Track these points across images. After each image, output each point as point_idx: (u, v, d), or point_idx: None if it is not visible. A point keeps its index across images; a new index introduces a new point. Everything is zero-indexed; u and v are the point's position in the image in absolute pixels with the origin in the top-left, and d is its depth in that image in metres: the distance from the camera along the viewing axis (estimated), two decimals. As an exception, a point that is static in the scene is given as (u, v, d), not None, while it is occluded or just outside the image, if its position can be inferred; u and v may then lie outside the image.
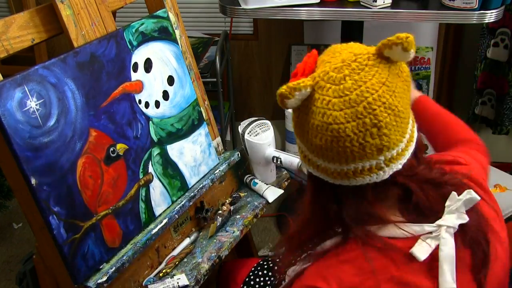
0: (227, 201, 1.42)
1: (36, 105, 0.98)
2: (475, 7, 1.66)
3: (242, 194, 1.46)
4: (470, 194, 0.73)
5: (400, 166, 0.72)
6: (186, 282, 1.19)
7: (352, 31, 2.04)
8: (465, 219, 0.73)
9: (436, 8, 1.75)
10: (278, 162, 1.43)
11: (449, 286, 0.71)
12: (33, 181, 0.97)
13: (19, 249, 2.25)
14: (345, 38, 2.08)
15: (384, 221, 0.74)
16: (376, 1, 1.72)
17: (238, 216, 1.40)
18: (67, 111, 1.04)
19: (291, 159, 1.40)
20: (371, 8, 1.74)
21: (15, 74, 0.95)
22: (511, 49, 2.12)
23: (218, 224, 1.34)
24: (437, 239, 0.72)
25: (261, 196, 1.46)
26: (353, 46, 0.74)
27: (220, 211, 1.36)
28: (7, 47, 1.00)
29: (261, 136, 1.44)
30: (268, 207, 1.49)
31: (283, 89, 0.70)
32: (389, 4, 1.76)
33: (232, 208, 1.39)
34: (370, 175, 0.71)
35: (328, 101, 0.69)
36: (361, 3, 1.78)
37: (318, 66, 0.73)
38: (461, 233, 0.74)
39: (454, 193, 0.74)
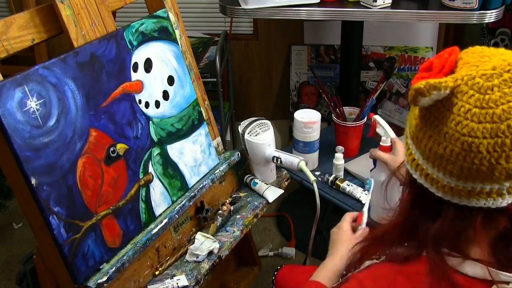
0: (227, 201, 1.42)
1: (36, 105, 0.98)
2: (475, 7, 1.66)
3: (242, 194, 1.46)
4: None
5: None
6: (186, 283, 1.19)
7: (352, 31, 2.04)
8: None
9: (436, 8, 1.75)
10: (278, 162, 1.43)
11: None
12: (33, 181, 0.97)
13: (19, 249, 2.25)
14: (345, 38, 2.08)
15: (477, 256, 0.68)
16: (376, 1, 1.72)
17: (238, 216, 1.40)
18: (67, 111, 1.04)
19: (291, 159, 1.40)
20: (371, 8, 1.74)
21: (15, 74, 0.95)
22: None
23: (218, 224, 1.34)
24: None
25: (261, 196, 1.46)
26: (506, 53, 0.66)
27: (220, 211, 1.36)
28: (7, 47, 1.00)
29: (261, 136, 1.44)
30: (268, 207, 1.49)
31: (422, 84, 0.61)
32: (389, 4, 1.76)
33: (232, 208, 1.39)
34: (487, 199, 0.64)
35: (468, 109, 0.61)
36: (361, 3, 1.78)
37: (460, 67, 0.65)
38: None
39: None
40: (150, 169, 1.23)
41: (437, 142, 0.64)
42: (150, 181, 1.23)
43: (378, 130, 1.45)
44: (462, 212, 0.66)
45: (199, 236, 1.28)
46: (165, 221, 1.23)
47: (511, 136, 0.60)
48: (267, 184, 1.48)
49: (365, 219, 1.16)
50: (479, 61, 0.64)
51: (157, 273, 1.23)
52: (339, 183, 1.53)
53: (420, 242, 0.70)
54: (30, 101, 0.97)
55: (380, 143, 1.35)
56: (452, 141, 0.62)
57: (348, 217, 1.13)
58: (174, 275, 1.22)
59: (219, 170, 1.40)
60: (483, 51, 0.67)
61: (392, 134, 1.39)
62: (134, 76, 1.19)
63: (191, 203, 1.31)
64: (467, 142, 0.61)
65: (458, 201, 0.66)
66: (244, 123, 1.47)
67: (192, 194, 1.32)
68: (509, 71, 0.62)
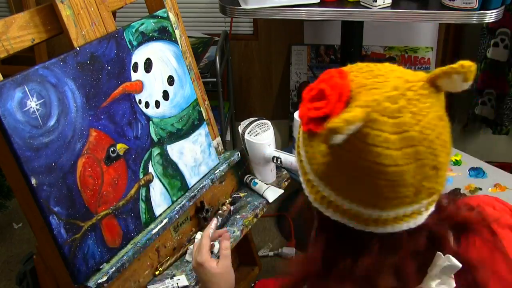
0: (227, 201, 1.42)
1: (36, 105, 0.98)
2: (475, 7, 1.66)
3: (242, 194, 1.46)
4: (449, 261, 0.63)
5: (433, 208, 0.63)
6: (186, 283, 1.19)
7: (352, 31, 2.04)
8: (450, 285, 0.64)
9: (436, 8, 1.75)
10: (278, 162, 1.43)
11: None
12: (33, 181, 0.97)
13: (19, 249, 2.25)
14: (345, 38, 2.08)
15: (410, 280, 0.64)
16: (376, 1, 1.72)
17: (238, 216, 1.40)
18: (67, 111, 1.04)
19: (291, 159, 1.40)
20: (371, 8, 1.74)
21: (15, 74, 0.95)
22: (511, 49, 2.12)
23: (218, 224, 1.34)
24: None
25: (261, 196, 1.46)
26: (396, 69, 0.62)
27: (220, 211, 1.36)
28: (7, 47, 1.00)
29: (261, 136, 1.44)
30: (268, 207, 1.49)
31: (337, 122, 0.53)
32: (389, 4, 1.76)
33: (232, 208, 1.39)
34: (409, 220, 0.61)
35: (385, 138, 0.55)
36: (361, 3, 1.78)
37: (357, 91, 0.59)
38: None
39: (438, 255, 0.64)
40: (150, 169, 1.23)
41: (357, 178, 0.58)
42: (150, 181, 1.23)
43: None
44: (387, 240, 0.63)
45: (199, 236, 1.28)
46: (165, 221, 1.23)
47: (430, 157, 0.57)
48: (267, 184, 1.48)
49: (216, 244, 1.11)
50: (376, 82, 0.59)
51: (157, 273, 1.23)
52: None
53: (344, 279, 0.65)
54: (30, 101, 0.97)
55: None
56: (375, 173, 0.56)
57: (205, 250, 1.01)
58: (174, 275, 1.22)
59: (219, 170, 1.40)
60: (372, 69, 0.62)
61: None
62: (134, 76, 1.19)
63: (191, 203, 1.31)
64: (391, 173, 0.56)
65: (383, 230, 0.62)
66: (244, 123, 1.47)
67: (192, 194, 1.32)
68: (410, 89, 0.57)
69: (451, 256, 0.63)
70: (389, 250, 0.63)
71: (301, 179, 0.67)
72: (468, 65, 0.56)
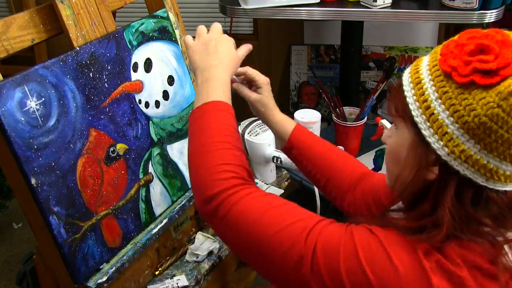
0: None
1: (36, 105, 0.98)
2: (475, 7, 1.66)
3: (242, 194, 1.46)
4: None
5: None
6: (186, 283, 1.19)
7: (352, 31, 2.04)
8: None
9: (436, 8, 1.75)
10: (278, 162, 1.43)
11: None
12: (33, 181, 0.97)
13: (19, 249, 2.25)
14: (345, 38, 2.08)
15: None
16: (376, 1, 1.72)
17: (238, 216, 1.39)
18: (67, 111, 1.04)
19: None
20: (371, 8, 1.74)
21: (15, 74, 0.95)
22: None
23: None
24: None
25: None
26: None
27: (220, 211, 1.36)
28: (7, 47, 1.00)
29: (261, 136, 1.45)
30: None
31: None
32: (389, 4, 1.76)
33: (232, 208, 1.39)
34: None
35: None
36: (361, 3, 1.78)
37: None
38: None
39: None
40: (150, 169, 1.23)
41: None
42: (150, 181, 1.23)
43: None
44: (505, 197, 0.68)
45: (199, 236, 1.28)
46: (165, 221, 1.23)
47: None
48: (267, 184, 1.48)
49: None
50: None
51: (157, 273, 1.23)
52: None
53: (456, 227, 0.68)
54: (30, 101, 0.97)
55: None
56: None
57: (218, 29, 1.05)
58: (174, 275, 1.22)
59: (219, 170, 1.40)
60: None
61: None
62: (134, 76, 1.19)
63: (191, 203, 1.31)
64: None
65: (505, 187, 0.68)
66: (244, 123, 1.47)
67: (192, 194, 1.32)
68: None
69: None
70: (506, 209, 0.68)
71: (428, 133, 0.68)
72: None
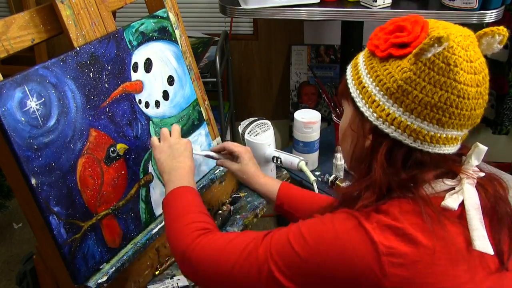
0: (227, 201, 1.42)
1: (36, 105, 0.98)
2: (475, 7, 1.66)
3: (242, 194, 1.46)
4: (477, 146, 0.80)
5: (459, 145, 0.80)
6: (186, 283, 1.19)
7: (352, 31, 2.04)
8: (479, 160, 0.81)
9: (436, 8, 1.75)
10: (278, 162, 1.43)
11: (478, 231, 0.75)
12: (33, 181, 0.97)
13: (19, 249, 2.25)
14: (345, 38, 2.08)
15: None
16: (376, 1, 1.72)
17: (238, 216, 1.40)
18: (67, 111, 1.04)
19: (291, 159, 1.40)
20: (371, 8, 1.75)
21: (15, 74, 0.95)
22: (511, 49, 2.12)
23: (218, 224, 1.34)
24: (461, 193, 0.78)
25: (261, 196, 1.46)
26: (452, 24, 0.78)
27: (220, 211, 1.36)
28: (7, 47, 1.00)
29: (261, 136, 1.44)
30: (268, 207, 1.49)
31: (442, 34, 0.69)
32: (389, 4, 1.76)
33: (232, 208, 1.39)
34: (451, 144, 0.78)
35: (460, 62, 0.72)
36: (361, 3, 1.78)
37: (435, 28, 0.75)
38: (482, 189, 0.80)
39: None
40: (150, 169, 1.23)
41: (431, 92, 0.72)
42: (150, 181, 1.23)
43: None
44: (431, 158, 0.77)
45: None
46: (165, 221, 1.23)
47: (483, 86, 0.74)
48: (267, 184, 1.48)
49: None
50: (445, 25, 0.76)
51: (157, 273, 1.23)
52: (339, 183, 1.53)
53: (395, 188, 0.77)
54: (30, 101, 0.97)
55: None
56: (449, 89, 0.72)
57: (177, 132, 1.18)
58: (174, 275, 1.22)
59: (219, 170, 1.40)
60: (436, 21, 0.78)
61: None
62: (134, 76, 1.20)
63: (191, 203, 1.31)
64: (461, 90, 0.72)
65: (432, 148, 0.76)
66: (244, 123, 1.47)
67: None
68: (471, 36, 0.75)
69: (478, 143, 0.81)
70: (432, 167, 0.78)
71: (361, 104, 0.79)
72: (505, 31, 0.75)
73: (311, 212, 0.99)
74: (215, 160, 1.32)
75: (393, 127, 0.76)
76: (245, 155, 1.25)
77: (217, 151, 1.30)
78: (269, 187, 1.23)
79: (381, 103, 0.76)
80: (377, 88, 0.77)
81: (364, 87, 0.79)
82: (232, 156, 1.28)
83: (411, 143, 0.76)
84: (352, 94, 0.81)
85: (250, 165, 1.25)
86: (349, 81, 0.83)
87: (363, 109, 0.79)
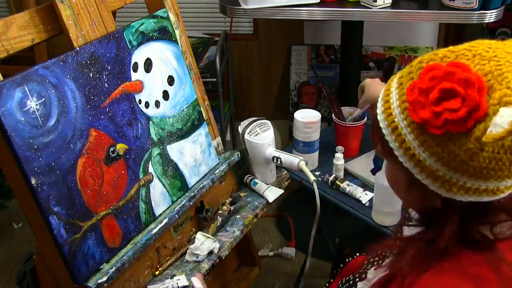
0: (227, 201, 1.42)
1: (36, 105, 0.98)
2: (475, 7, 1.66)
3: (242, 194, 1.46)
4: None
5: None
6: (186, 283, 1.19)
7: (352, 31, 2.04)
8: None
9: (436, 8, 1.75)
10: (278, 162, 1.43)
11: None
12: (33, 181, 0.97)
13: (19, 249, 2.25)
14: (345, 38, 2.08)
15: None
16: (376, 1, 1.72)
17: (238, 216, 1.40)
18: (67, 111, 1.04)
19: (291, 159, 1.40)
20: (371, 8, 1.74)
21: (15, 74, 0.95)
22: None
23: (218, 224, 1.34)
24: None
25: (261, 196, 1.46)
26: (494, 45, 0.67)
27: (220, 211, 1.36)
28: (7, 47, 1.00)
29: (261, 136, 1.44)
30: (268, 207, 1.49)
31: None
32: (389, 4, 1.76)
33: (232, 208, 1.39)
34: (494, 194, 0.68)
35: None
36: (361, 3, 1.78)
37: (488, 80, 0.62)
38: None
39: None
40: (150, 169, 1.23)
41: (506, 168, 0.63)
42: (150, 181, 1.23)
43: None
44: (469, 208, 0.70)
45: (199, 236, 1.28)
46: (165, 221, 1.23)
47: None
48: (267, 184, 1.48)
49: None
50: (495, 65, 0.63)
51: (157, 273, 1.23)
52: (339, 183, 1.53)
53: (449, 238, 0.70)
54: (30, 101, 0.97)
55: None
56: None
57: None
58: (174, 275, 1.22)
59: (219, 170, 1.40)
60: (475, 51, 0.66)
61: None
62: (134, 76, 1.20)
63: (191, 203, 1.31)
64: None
65: (467, 198, 0.68)
66: (244, 123, 1.47)
67: (192, 194, 1.32)
68: None
69: None
70: (469, 218, 0.70)
71: (421, 177, 0.69)
72: None
73: None
74: (215, 161, 1.31)
75: (467, 195, 0.67)
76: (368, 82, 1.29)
77: None
78: None
79: (447, 177, 0.67)
80: (439, 163, 0.66)
81: (419, 160, 0.68)
82: None
83: (487, 199, 0.68)
84: (404, 164, 0.70)
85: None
86: (392, 145, 0.70)
87: (426, 182, 0.69)
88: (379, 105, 0.73)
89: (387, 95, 0.72)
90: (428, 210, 0.73)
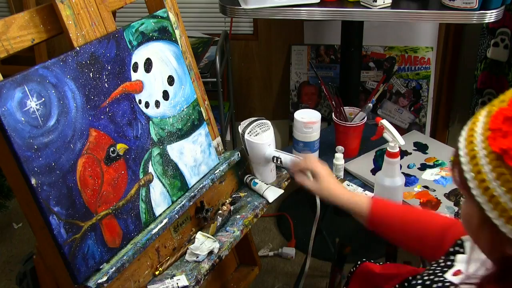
0: (227, 201, 1.42)
1: (36, 105, 0.98)
2: (475, 7, 1.66)
3: (242, 194, 1.46)
4: None
5: None
6: (186, 283, 1.19)
7: (352, 31, 2.04)
8: None
9: (436, 8, 1.75)
10: (278, 162, 1.43)
11: None
12: (33, 181, 0.97)
13: (19, 249, 2.25)
14: (345, 38, 2.08)
15: None
16: (376, 1, 1.72)
17: (238, 216, 1.40)
18: (67, 111, 1.04)
19: (291, 159, 1.40)
20: (371, 8, 1.74)
21: (15, 74, 0.95)
22: (511, 49, 2.12)
23: (218, 224, 1.34)
24: None
25: (261, 196, 1.46)
26: None
27: (220, 211, 1.36)
28: (7, 47, 1.00)
29: (261, 136, 1.44)
30: (268, 207, 1.49)
31: None
32: (389, 4, 1.76)
33: (232, 208, 1.39)
34: None
35: None
36: (361, 3, 1.78)
37: None
38: None
39: None
40: (150, 169, 1.23)
41: None
42: (150, 181, 1.23)
43: (385, 135, 1.46)
44: None
45: (199, 236, 1.28)
46: (165, 221, 1.23)
47: None
48: (267, 184, 1.48)
49: None
50: None
51: (157, 273, 1.23)
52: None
53: None
54: (30, 101, 0.97)
55: (388, 149, 1.36)
56: None
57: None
58: (174, 275, 1.22)
59: (219, 170, 1.40)
60: None
61: (401, 140, 1.40)
62: (134, 76, 1.20)
63: (191, 203, 1.31)
64: None
65: None
66: (244, 123, 1.47)
67: (192, 194, 1.32)
68: None
69: None
70: None
71: (493, 215, 0.63)
72: None
73: (402, 237, 0.93)
74: (215, 160, 1.31)
75: None
76: (323, 172, 1.21)
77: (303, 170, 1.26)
78: (356, 204, 1.16)
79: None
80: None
81: (493, 195, 0.62)
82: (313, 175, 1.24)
83: None
84: (476, 198, 0.64)
85: (331, 183, 1.21)
86: (467, 176, 0.65)
87: (498, 222, 0.63)
88: (463, 132, 0.68)
89: (473, 123, 0.66)
90: (504, 259, 0.66)
